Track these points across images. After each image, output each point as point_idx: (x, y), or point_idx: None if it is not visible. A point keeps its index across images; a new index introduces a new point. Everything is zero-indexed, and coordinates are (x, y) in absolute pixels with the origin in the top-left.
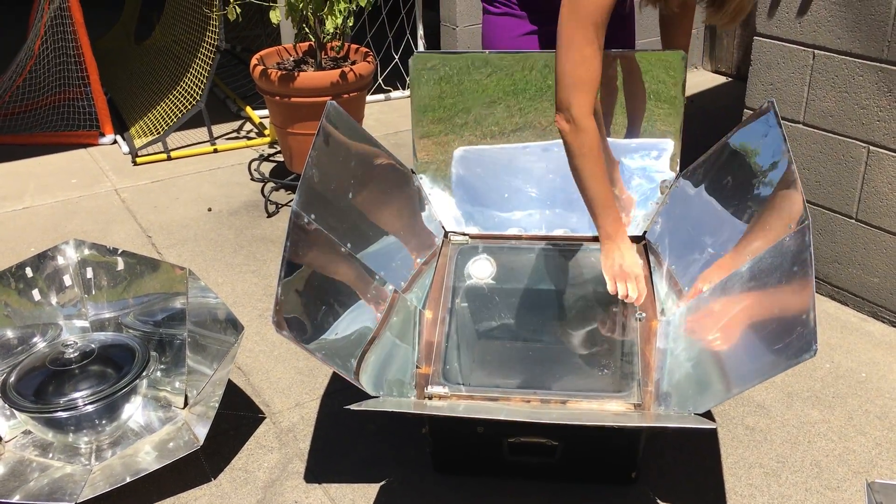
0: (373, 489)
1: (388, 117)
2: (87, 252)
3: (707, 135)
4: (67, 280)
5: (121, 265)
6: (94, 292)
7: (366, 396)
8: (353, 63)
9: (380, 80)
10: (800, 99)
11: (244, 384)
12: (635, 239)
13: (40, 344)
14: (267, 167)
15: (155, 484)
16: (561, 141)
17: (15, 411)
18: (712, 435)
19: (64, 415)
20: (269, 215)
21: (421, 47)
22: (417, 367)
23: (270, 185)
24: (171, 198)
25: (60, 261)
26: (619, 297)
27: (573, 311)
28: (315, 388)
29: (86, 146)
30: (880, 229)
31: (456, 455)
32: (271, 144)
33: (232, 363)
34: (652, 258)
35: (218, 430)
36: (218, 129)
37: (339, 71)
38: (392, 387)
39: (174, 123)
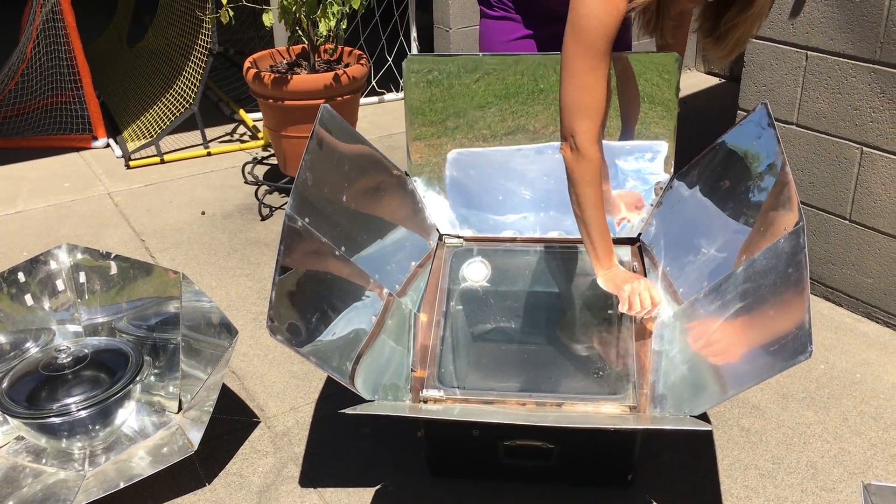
0: (368, 493)
1: (381, 120)
2: (79, 256)
3: (701, 136)
4: (60, 285)
5: (114, 269)
6: (87, 297)
7: (361, 400)
8: (347, 66)
9: (373, 83)
10: (793, 100)
11: (238, 388)
12: (630, 241)
13: (33, 349)
14: (261, 170)
15: (149, 489)
16: (556, 143)
17: (7, 417)
18: (708, 437)
19: (57, 420)
20: (263, 218)
21: (414, 50)
22: (412, 370)
23: (264, 188)
24: (164, 201)
25: (53, 265)
26: (634, 313)
27: (568, 314)
28: (310, 392)
29: (78, 150)
30: (874, 230)
31: (452, 458)
32: (265, 147)
33: (226, 367)
34: (647, 260)
35: (212, 435)
36: (211, 133)
37: (332, 74)
38: (387, 390)
39: (167, 126)
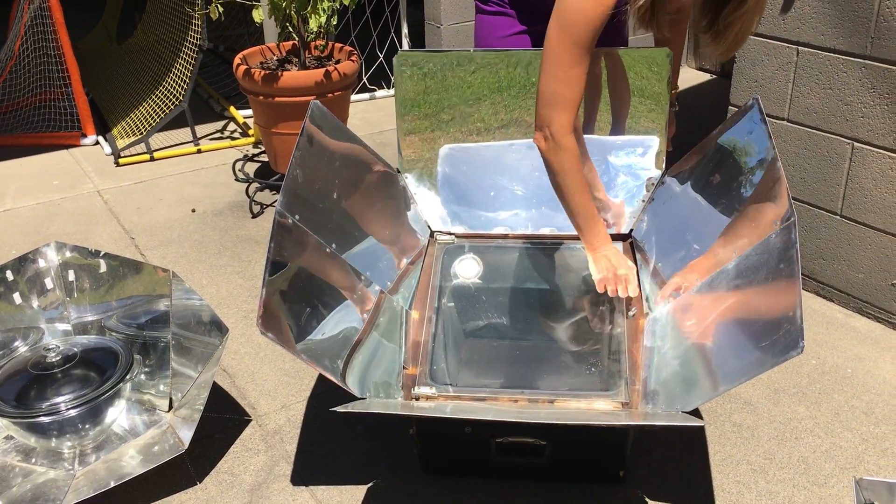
0: (360, 491)
1: (373, 116)
2: (68, 254)
3: (692, 132)
4: (49, 283)
5: (103, 267)
6: (76, 295)
7: (352, 398)
8: (338, 62)
9: (364, 80)
10: (784, 96)
11: (230, 386)
12: (622, 237)
13: (22, 348)
14: (251, 167)
15: (140, 488)
16: None
17: None
18: (700, 432)
19: (46, 419)
20: (254, 216)
21: (405, 46)
22: (404, 367)
23: (255, 185)
24: (154, 199)
25: (41, 263)
26: (610, 295)
27: (560, 310)
28: (301, 390)
29: (67, 147)
30: (865, 225)
31: (444, 456)
32: (255, 144)
33: (217, 365)
34: (638, 256)
35: (203, 434)
36: (201, 130)
37: (323, 70)
38: (379, 388)
39: (157, 124)
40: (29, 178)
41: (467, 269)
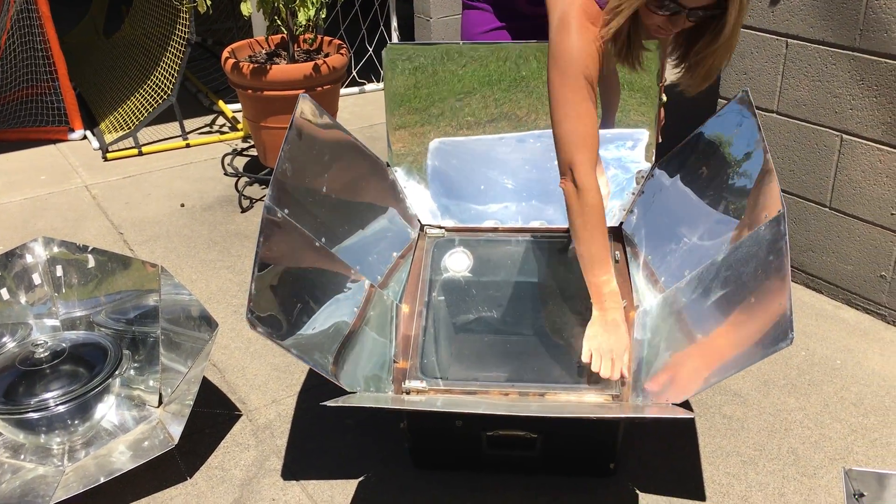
0: (351, 485)
1: (362, 110)
2: (56, 250)
3: (681, 125)
4: (37, 278)
5: (91, 263)
6: (64, 290)
7: (343, 392)
8: (327, 55)
9: (354, 73)
10: (773, 88)
11: (220, 381)
12: (611, 230)
13: (10, 344)
14: (240, 162)
15: (130, 484)
16: (537, 132)
17: None
18: (690, 424)
19: (35, 415)
20: (243, 210)
21: (395, 39)
22: (395, 361)
23: (244, 179)
24: (142, 194)
25: (29, 259)
26: (593, 370)
27: (550, 303)
28: (292, 385)
29: (55, 142)
30: (854, 217)
31: (435, 450)
32: (245, 139)
33: (206, 360)
34: (628, 249)
35: (193, 429)
36: (190, 124)
37: (312, 63)
38: (369, 382)
39: (145, 118)
40: (16, 173)
41: (457, 263)
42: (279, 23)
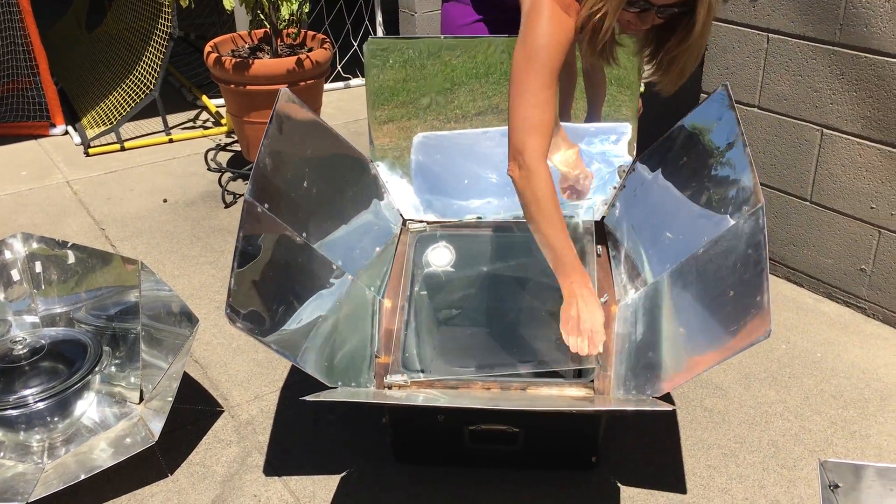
0: (333, 480)
1: (347, 105)
2: (35, 246)
3: (663, 119)
4: (15, 275)
5: (71, 259)
6: (43, 287)
7: (325, 387)
8: (310, 50)
9: (338, 68)
10: (755, 82)
11: (201, 377)
12: (595, 225)
13: None
14: (224, 157)
15: (110, 481)
16: None
17: None
18: (671, 417)
19: (14, 412)
20: (227, 206)
21: (380, 34)
22: (377, 356)
23: (228, 175)
24: (125, 189)
25: (7, 255)
26: (572, 350)
27: (532, 298)
28: (274, 380)
29: (36, 137)
30: (834, 211)
31: (417, 444)
32: (228, 134)
33: (187, 356)
34: (610, 243)
35: (175, 425)
36: (173, 119)
37: (295, 58)
38: (351, 377)
39: (127, 113)
40: None
41: (439, 258)
42: (262, 17)
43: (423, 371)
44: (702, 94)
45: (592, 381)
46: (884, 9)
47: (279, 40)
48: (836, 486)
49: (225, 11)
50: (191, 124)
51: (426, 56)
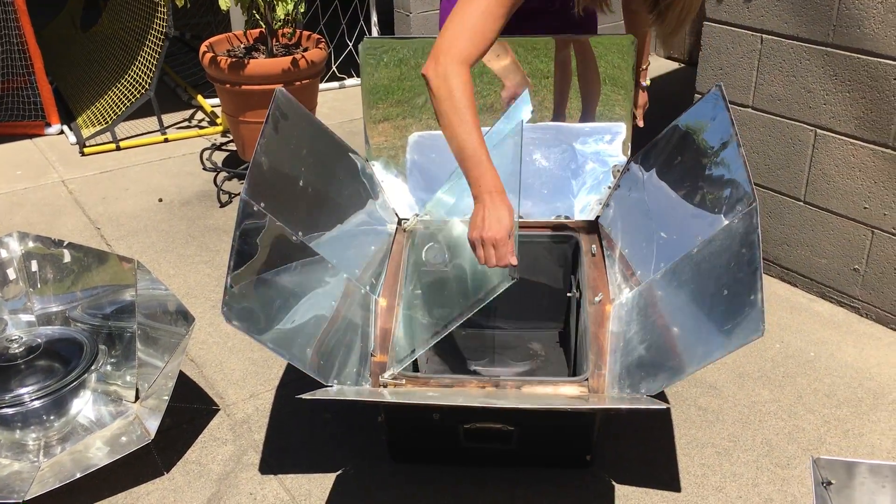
0: (329, 479)
1: (343, 105)
2: (31, 245)
3: (659, 120)
4: (11, 273)
5: (67, 258)
6: (39, 286)
7: (321, 386)
8: (306, 50)
9: (333, 68)
10: (748, 83)
11: (197, 376)
12: (588, 223)
13: None
14: (219, 156)
15: (106, 480)
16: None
17: None
18: (666, 416)
19: (10, 411)
20: (222, 205)
21: (375, 34)
22: (372, 354)
23: (223, 174)
24: (120, 189)
25: (3, 254)
26: (480, 263)
27: (527, 297)
28: (270, 379)
29: (31, 137)
30: (828, 211)
31: (412, 443)
32: (223, 133)
33: (183, 355)
34: (605, 242)
35: (171, 424)
36: (168, 119)
37: (290, 58)
38: (347, 375)
39: (123, 112)
40: None
41: (435, 257)
42: (258, 17)
43: (418, 370)
44: (696, 95)
45: (587, 379)
46: (876, 10)
47: (274, 40)
48: (829, 483)
49: (220, 11)
50: (186, 124)
51: (421, 55)
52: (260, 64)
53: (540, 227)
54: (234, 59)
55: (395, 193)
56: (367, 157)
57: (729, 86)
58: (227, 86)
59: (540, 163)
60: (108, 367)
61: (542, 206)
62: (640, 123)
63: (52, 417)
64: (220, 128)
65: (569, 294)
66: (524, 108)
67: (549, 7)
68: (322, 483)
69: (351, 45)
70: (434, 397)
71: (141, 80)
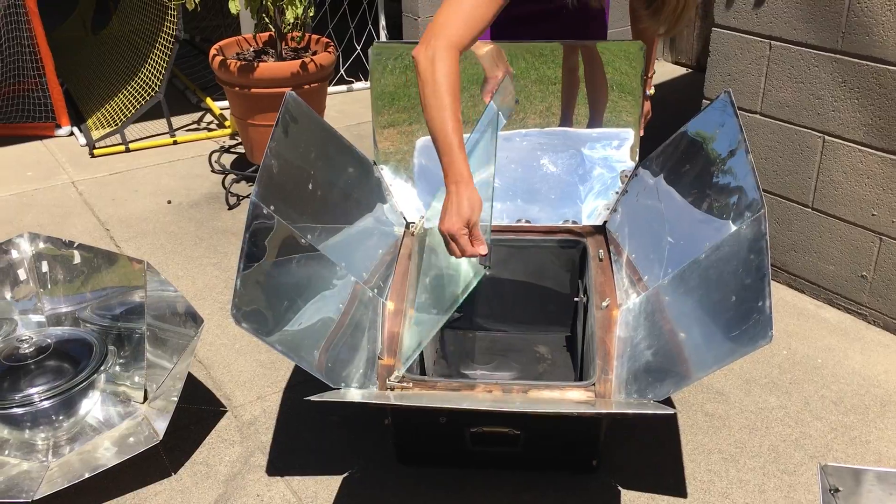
0: (335, 481)
1: (350, 108)
2: (42, 245)
3: (666, 125)
4: (22, 274)
5: (77, 259)
6: (49, 286)
7: (328, 388)
8: (314, 53)
9: (342, 72)
10: (757, 89)
11: (205, 378)
12: (596, 228)
13: None
14: (228, 159)
15: (114, 480)
16: (523, 130)
17: None
18: (672, 422)
19: (19, 411)
20: (230, 207)
21: (383, 38)
22: (379, 357)
23: (231, 177)
24: (129, 190)
25: (14, 254)
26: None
27: (534, 301)
28: (277, 381)
29: (41, 138)
30: (835, 217)
31: (419, 446)
32: (232, 136)
33: (192, 356)
34: (612, 248)
35: (178, 425)
36: (177, 121)
37: (299, 61)
38: (354, 378)
39: (132, 115)
40: (2, 168)
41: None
42: (267, 20)
43: (425, 373)
44: (704, 101)
45: (594, 384)
46: (885, 17)
47: (283, 44)
48: (837, 490)
49: (230, 15)
50: (195, 126)
51: None
52: (269, 67)
53: (547, 232)
54: (243, 63)
55: (403, 197)
56: (376, 161)
57: (737, 92)
58: (237, 89)
59: (548, 168)
60: (117, 368)
61: (549, 210)
62: (640, 133)
63: (61, 417)
64: (228, 130)
65: (576, 299)
66: (505, 98)
67: (547, 6)
68: (329, 485)
69: (359, 49)
70: (441, 400)
71: (151, 83)
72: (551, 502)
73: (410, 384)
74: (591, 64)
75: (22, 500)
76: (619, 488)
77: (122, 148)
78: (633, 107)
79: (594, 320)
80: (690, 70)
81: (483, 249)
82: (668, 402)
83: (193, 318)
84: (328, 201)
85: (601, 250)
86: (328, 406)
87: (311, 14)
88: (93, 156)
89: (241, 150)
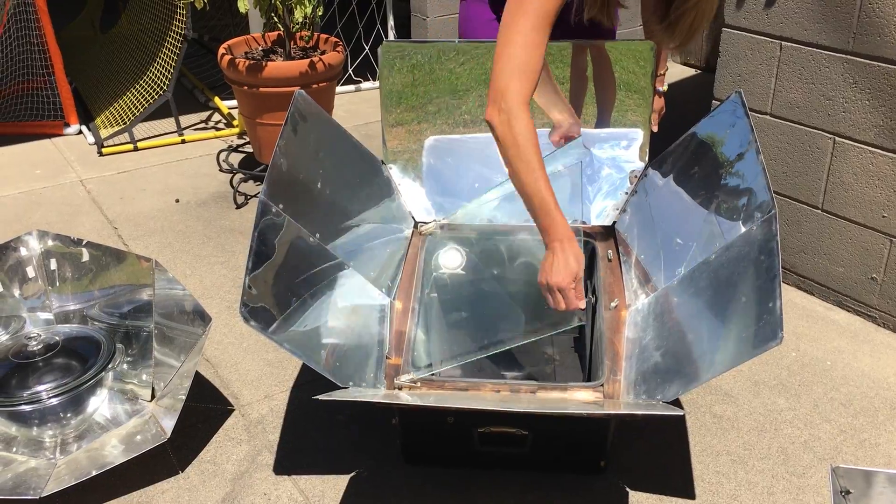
0: (342, 480)
1: (358, 108)
2: (50, 243)
3: (676, 126)
4: (31, 272)
5: (85, 256)
6: (58, 284)
7: (336, 388)
8: (323, 53)
9: (350, 72)
10: (767, 90)
11: (213, 376)
12: (605, 229)
13: (3, 336)
14: (236, 158)
15: (121, 477)
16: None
17: None
18: (680, 423)
19: (27, 408)
20: (238, 206)
21: (391, 38)
22: (387, 357)
23: (239, 176)
24: (137, 189)
25: (23, 252)
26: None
27: (543, 301)
28: (285, 380)
29: (50, 136)
30: (845, 219)
31: (426, 446)
32: (240, 135)
33: (199, 355)
34: (621, 248)
35: (186, 423)
36: (186, 120)
37: (307, 61)
38: (362, 378)
39: (141, 113)
40: (11, 166)
41: (451, 260)
42: (276, 20)
43: (433, 373)
44: (714, 101)
45: (602, 385)
46: None
47: (292, 43)
48: (848, 493)
49: (239, 14)
50: (203, 125)
51: (436, 61)
52: (277, 66)
53: None
54: (252, 62)
55: (412, 196)
56: (384, 160)
57: (747, 92)
58: (245, 88)
59: (556, 168)
60: (125, 366)
61: None
62: (655, 128)
63: (68, 415)
64: (236, 129)
65: (584, 300)
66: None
67: (563, 27)
68: (336, 484)
69: (367, 48)
70: (449, 400)
71: (159, 82)
72: (559, 503)
73: (418, 384)
74: (599, 63)
75: (29, 497)
76: (627, 489)
77: (131, 147)
78: (640, 106)
79: (603, 321)
80: (700, 71)
81: (584, 304)
82: (677, 403)
83: (201, 317)
84: (337, 200)
85: (610, 251)
86: (336, 405)
87: (320, 13)
88: (101, 154)
89: (248, 149)
